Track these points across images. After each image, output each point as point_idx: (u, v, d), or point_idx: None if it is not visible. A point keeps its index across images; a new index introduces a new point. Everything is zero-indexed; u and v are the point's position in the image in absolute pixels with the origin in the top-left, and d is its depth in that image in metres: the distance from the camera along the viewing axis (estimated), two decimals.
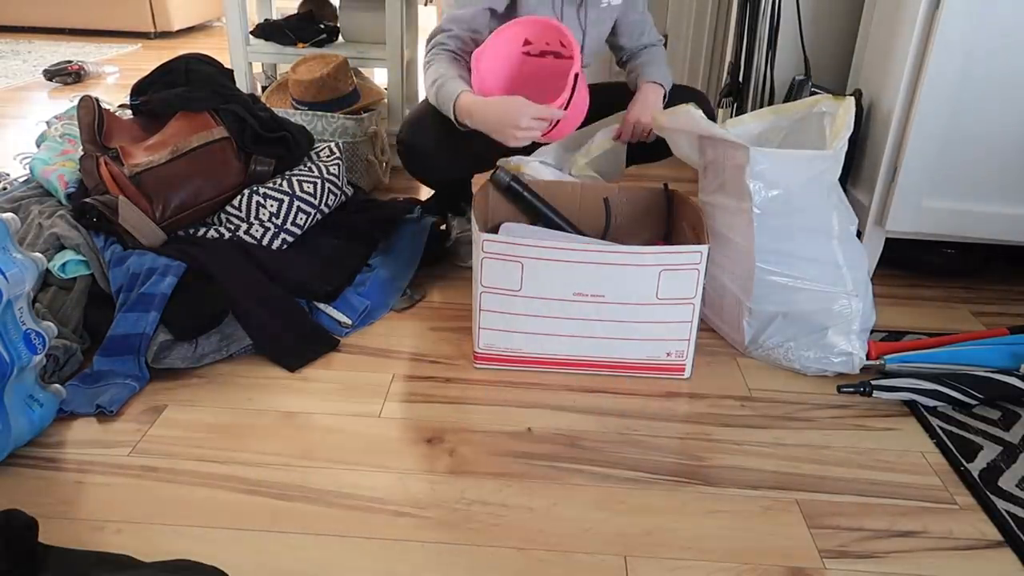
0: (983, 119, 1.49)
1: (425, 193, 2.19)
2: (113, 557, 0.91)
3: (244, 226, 1.55)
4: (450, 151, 1.57)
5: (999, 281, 1.74)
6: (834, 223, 1.33)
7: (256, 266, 1.47)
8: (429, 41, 1.57)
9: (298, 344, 1.37)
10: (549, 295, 1.27)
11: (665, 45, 2.60)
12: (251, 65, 2.39)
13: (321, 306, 1.48)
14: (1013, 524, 1.02)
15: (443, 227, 1.76)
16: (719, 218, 1.40)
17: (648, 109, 1.59)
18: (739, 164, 1.31)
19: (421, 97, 2.31)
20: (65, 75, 3.33)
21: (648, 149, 1.70)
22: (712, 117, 1.43)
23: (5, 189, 1.75)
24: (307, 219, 1.61)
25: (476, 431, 1.19)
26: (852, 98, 1.35)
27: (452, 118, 1.46)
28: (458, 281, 1.66)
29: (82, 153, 1.54)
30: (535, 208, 1.49)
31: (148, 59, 3.95)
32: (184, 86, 1.68)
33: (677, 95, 1.66)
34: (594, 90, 1.63)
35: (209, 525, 0.99)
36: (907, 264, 1.75)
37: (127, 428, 1.17)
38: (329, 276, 1.53)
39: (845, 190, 1.46)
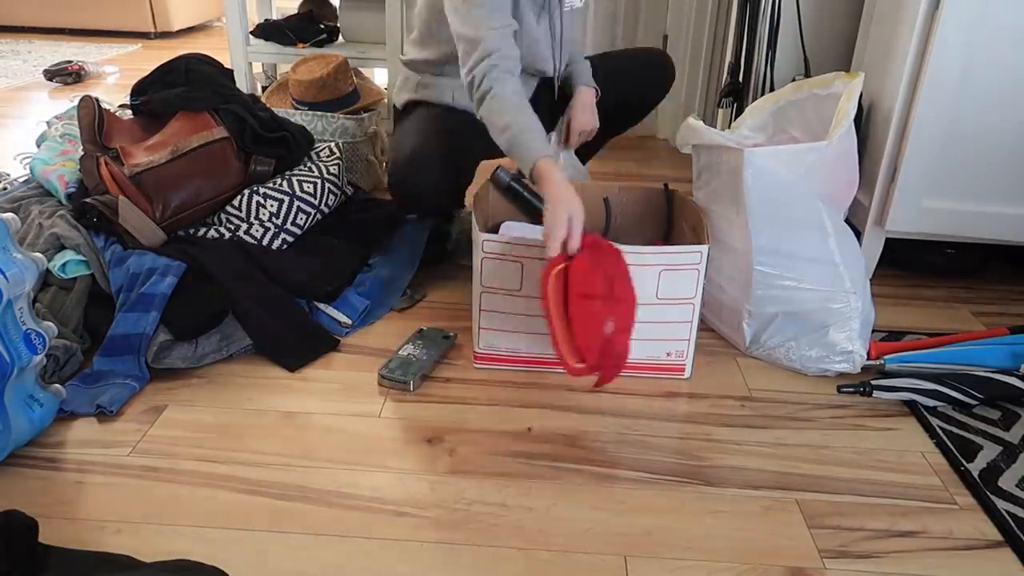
0: (983, 119, 1.49)
1: None
2: (113, 557, 0.91)
3: (244, 226, 1.55)
4: (451, 191, 1.51)
5: (999, 281, 1.74)
6: (826, 220, 1.33)
7: (256, 266, 1.47)
8: (474, 64, 1.33)
9: (298, 344, 1.37)
10: None
11: (665, 45, 2.62)
12: (251, 65, 2.39)
13: (321, 306, 1.48)
14: (1013, 524, 1.02)
15: (445, 227, 1.76)
16: (715, 222, 1.40)
17: (589, 114, 1.63)
18: (734, 167, 1.31)
19: None
20: (65, 75, 3.33)
21: (615, 122, 1.73)
22: (672, 72, 1.49)
23: (5, 189, 1.75)
24: (307, 219, 1.61)
25: (476, 431, 1.19)
26: (859, 80, 1.34)
27: (522, 171, 1.30)
28: (458, 281, 1.66)
29: (82, 153, 1.54)
30: (535, 208, 1.49)
31: (148, 59, 3.95)
32: (184, 86, 1.68)
33: (637, 60, 1.75)
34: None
35: (209, 525, 0.99)
36: (907, 264, 1.75)
37: (127, 428, 1.17)
38: (329, 276, 1.53)
39: None
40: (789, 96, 1.46)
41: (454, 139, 1.50)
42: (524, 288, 1.27)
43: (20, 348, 1.04)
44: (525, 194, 1.48)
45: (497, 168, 1.48)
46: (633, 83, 1.73)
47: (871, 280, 1.51)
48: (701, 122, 1.39)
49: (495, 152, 1.39)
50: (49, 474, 1.07)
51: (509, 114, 1.30)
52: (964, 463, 1.14)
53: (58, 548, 0.92)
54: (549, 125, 1.70)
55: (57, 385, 1.16)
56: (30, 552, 0.90)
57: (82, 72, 3.38)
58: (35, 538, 0.91)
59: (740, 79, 2.09)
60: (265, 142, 1.64)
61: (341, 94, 2.06)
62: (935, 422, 1.23)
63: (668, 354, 1.32)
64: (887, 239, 1.64)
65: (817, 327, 1.34)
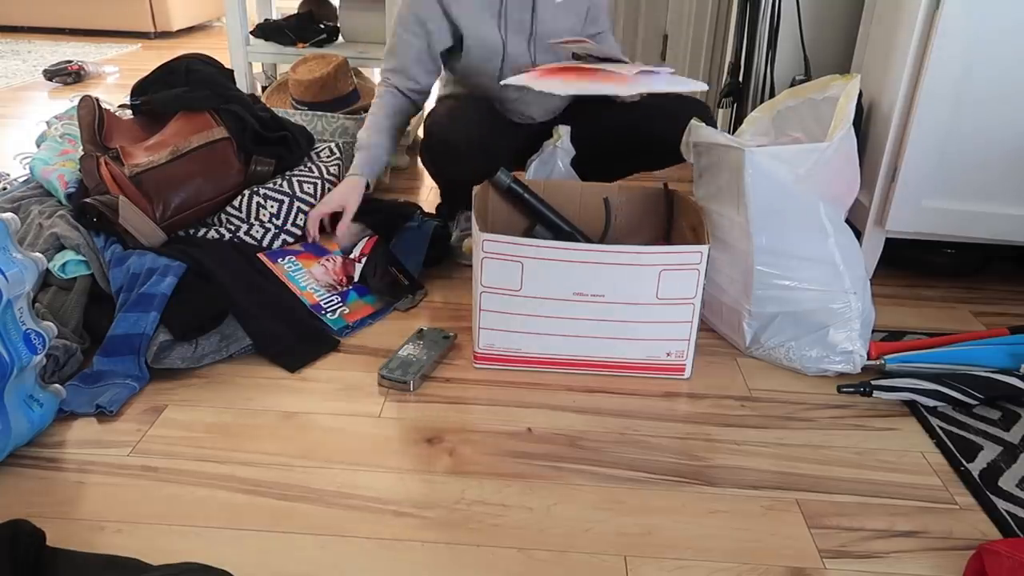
0: (983, 119, 1.49)
1: (424, 194, 2.19)
2: (121, 560, 0.90)
3: (244, 227, 1.55)
4: (487, 146, 1.59)
5: (999, 281, 1.74)
6: (826, 221, 1.33)
7: (256, 267, 1.47)
8: (384, 69, 1.67)
9: (298, 344, 1.37)
10: (549, 295, 1.27)
11: (665, 45, 2.62)
12: (251, 65, 2.40)
13: None
14: (1013, 524, 1.02)
15: (446, 226, 1.75)
16: (716, 222, 1.40)
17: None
18: (735, 167, 1.31)
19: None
20: (65, 75, 3.33)
21: (650, 157, 1.71)
22: (711, 125, 1.45)
23: (5, 189, 1.75)
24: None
25: (476, 431, 1.19)
26: (856, 81, 1.34)
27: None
28: (458, 281, 1.66)
29: (82, 153, 1.55)
30: (535, 209, 1.49)
31: (148, 59, 3.95)
32: (184, 86, 1.68)
33: (678, 106, 1.66)
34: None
35: (209, 525, 0.99)
36: (907, 264, 1.75)
37: (127, 428, 1.17)
38: None
39: None
40: (786, 103, 1.46)
41: (486, 109, 1.65)
42: (524, 288, 1.27)
43: (20, 348, 1.04)
44: (525, 196, 1.48)
45: (499, 170, 1.48)
46: (662, 115, 1.65)
47: (871, 280, 1.51)
48: (703, 123, 1.39)
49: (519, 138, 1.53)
50: (49, 474, 1.07)
51: (368, 128, 1.63)
52: (964, 463, 1.14)
53: (65, 550, 0.92)
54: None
55: (57, 385, 1.16)
56: (36, 564, 0.89)
57: (82, 72, 3.38)
58: (41, 549, 0.91)
59: (740, 79, 2.09)
60: (265, 142, 1.65)
61: (341, 94, 2.06)
62: (935, 422, 1.23)
63: (668, 354, 1.32)
64: (887, 239, 1.64)
65: (817, 327, 1.34)
